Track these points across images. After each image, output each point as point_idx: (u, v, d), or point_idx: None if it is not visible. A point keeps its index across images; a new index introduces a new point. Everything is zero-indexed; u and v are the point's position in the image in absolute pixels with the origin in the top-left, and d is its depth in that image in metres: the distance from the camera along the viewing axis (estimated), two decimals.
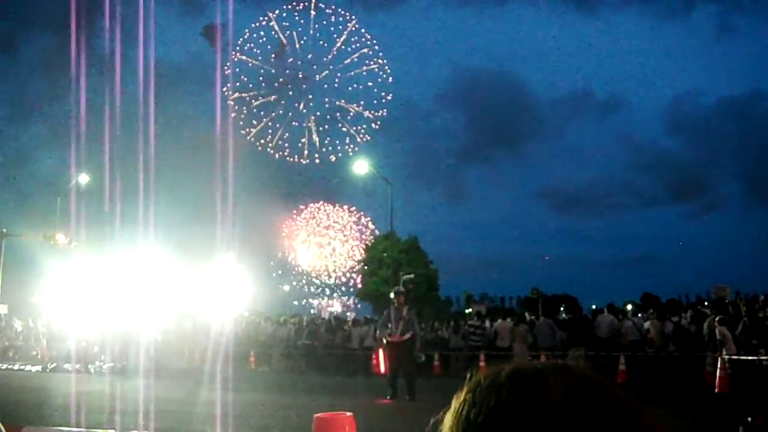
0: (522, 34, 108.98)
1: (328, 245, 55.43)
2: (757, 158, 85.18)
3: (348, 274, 55.20)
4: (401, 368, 12.78)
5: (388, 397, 12.49)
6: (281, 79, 58.03)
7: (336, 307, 53.23)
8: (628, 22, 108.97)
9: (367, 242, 52.50)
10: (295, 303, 51.42)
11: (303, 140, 57.53)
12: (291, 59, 58.54)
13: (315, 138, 56.91)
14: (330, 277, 55.24)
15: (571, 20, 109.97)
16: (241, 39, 56.35)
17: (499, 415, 0.78)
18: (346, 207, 56.55)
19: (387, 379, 13.07)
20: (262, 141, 56.52)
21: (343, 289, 56.03)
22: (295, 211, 55.84)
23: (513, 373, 0.82)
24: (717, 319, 15.77)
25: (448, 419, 0.84)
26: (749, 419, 6.90)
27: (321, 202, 56.28)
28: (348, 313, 45.84)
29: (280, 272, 52.20)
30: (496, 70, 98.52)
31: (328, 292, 55.77)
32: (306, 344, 22.65)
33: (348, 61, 57.58)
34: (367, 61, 57.19)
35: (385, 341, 13.21)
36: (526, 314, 21.05)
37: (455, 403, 0.85)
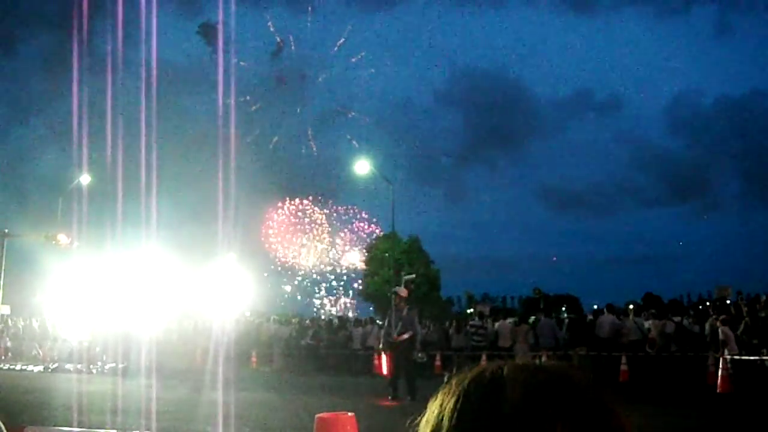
0: (521, 34, 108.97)
1: (328, 245, 55.30)
2: (758, 157, 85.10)
3: (349, 273, 55.07)
4: (401, 368, 12.77)
5: (390, 398, 12.48)
6: (279, 80, 58.02)
7: (335, 307, 53.07)
8: (627, 22, 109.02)
9: (369, 244, 52.29)
10: (298, 306, 51.27)
11: (302, 142, 57.53)
12: (288, 60, 58.56)
13: (311, 143, 56.85)
14: (325, 276, 55.04)
15: (570, 20, 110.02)
16: (238, 39, 56.27)
17: (460, 417, 0.79)
18: (346, 208, 56.25)
19: (388, 380, 13.06)
20: (262, 142, 56.49)
21: (342, 289, 55.93)
22: (288, 209, 55.52)
23: (475, 376, 0.83)
24: (720, 319, 15.78)
25: (423, 423, 0.85)
26: None
27: (312, 199, 55.93)
28: (350, 313, 45.84)
29: (267, 276, 51.62)
30: (495, 70, 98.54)
31: (328, 292, 55.68)
32: (308, 344, 22.66)
33: (347, 62, 57.56)
34: (366, 63, 57.13)
35: (383, 342, 13.22)
36: (534, 316, 21.03)
37: (429, 408, 0.85)
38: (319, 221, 56.01)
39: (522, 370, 0.81)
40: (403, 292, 14.05)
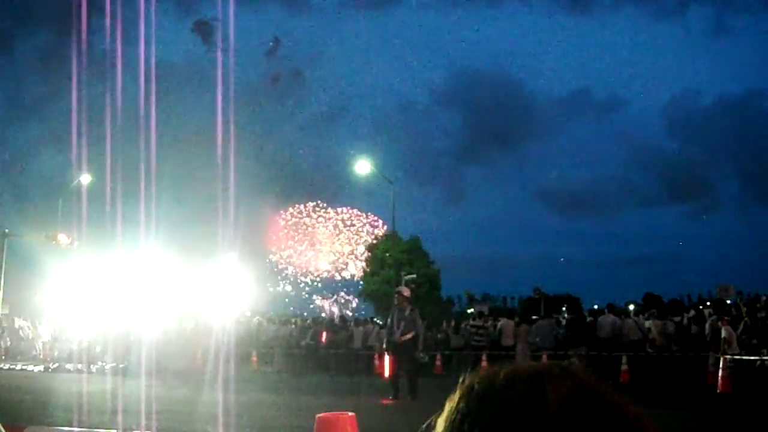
0: (519, 33, 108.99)
1: (328, 244, 55.10)
2: (757, 157, 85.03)
3: (348, 274, 54.89)
4: (402, 368, 12.74)
5: (390, 398, 12.47)
6: (276, 80, 57.94)
7: (334, 308, 52.85)
8: (625, 22, 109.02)
9: (372, 240, 52.03)
10: (297, 307, 51.11)
11: (300, 141, 57.44)
12: (287, 59, 58.49)
13: (310, 143, 56.69)
14: (322, 276, 54.80)
15: (568, 20, 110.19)
16: (235, 38, 56.05)
17: (495, 426, 0.75)
18: (347, 209, 55.92)
19: (390, 380, 13.05)
20: (260, 141, 56.35)
21: (345, 289, 55.79)
22: (289, 212, 55.33)
23: (508, 380, 0.78)
24: (722, 319, 15.80)
25: (441, 424, 0.81)
26: None
27: (316, 203, 55.70)
28: (348, 313, 45.75)
29: (268, 276, 51.18)
30: (494, 70, 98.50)
31: (328, 292, 55.51)
32: (308, 344, 22.66)
33: (344, 62, 57.57)
34: (364, 63, 57.10)
35: (386, 342, 13.22)
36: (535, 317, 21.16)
37: (449, 407, 0.81)
38: (323, 224, 55.72)
39: (558, 375, 0.78)
40: (406, 291, 14.03)
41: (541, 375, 0.78)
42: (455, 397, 0.82)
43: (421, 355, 13.43)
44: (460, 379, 0.84)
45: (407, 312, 12.98)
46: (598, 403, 0.76)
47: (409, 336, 12.72)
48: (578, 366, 0.84)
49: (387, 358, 13.48)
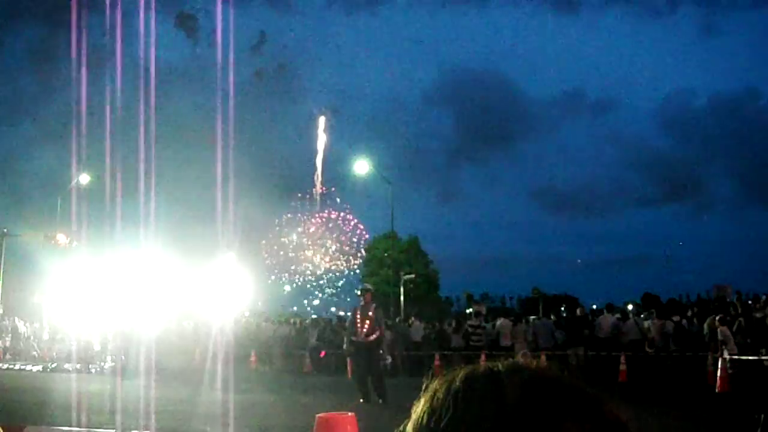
0: (514, 34, 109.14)
1: (321, 244, 54.91)
2: (754, 156, 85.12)
3: (345, 274, 54.73)
4: (368, 370, 12.02)
5: (361, 401, 11.57)
6: (269, 79, 57.80)
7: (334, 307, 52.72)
8: (618, 22, 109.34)
9: (363, 245, 51.76)
10: (298, 307, 51.00)
11: (296, 141, 57.29)
12: (281, 58, 58.37)
13: (305, 143, 56.53)
14: (321, 276, 54.66)
15: (563, 20, 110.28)
16: (226, 36, 55.89)
17: (458, 420, 0.77)
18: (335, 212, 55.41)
19: (357, 382, 12.24)
20: (255, 141, 56.18)
21: (341, 289, 55.70)
22: (286, 212, 55.13)
23: (467, 377, 0.82)
24: (718, 318, 15.82)
25: (410, 428, 0.83)
26: (763, 416, 6.79)
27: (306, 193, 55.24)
28: (349, 314, 45.63)
29: (267, 276, 50.92)
30: (492, 71, 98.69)
31: (327, 292, 55.44)
32: (316, 345, 22.63)
33: (340, 63, 57.48)
34: (360, 63, 57.06)
35: (348, 343, 12.56)
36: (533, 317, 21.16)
37: (414, 412, 0.84)
38: (319, 223, 55.56)
39: (514, 368, 0.81)
40: (371, 288, 13.45)
41: (498, 370, 0.81)
42: (420, 400, 0.84)
43: (386, 357, 12.67)
44: (423, 386, 0.86)
45: (371, 311, 12.27)
46: (555, 387, 0.78)
47: (374, 337, 12.09)
48: (537, 362, 0.86)
49: (348, 360, 12.70)
